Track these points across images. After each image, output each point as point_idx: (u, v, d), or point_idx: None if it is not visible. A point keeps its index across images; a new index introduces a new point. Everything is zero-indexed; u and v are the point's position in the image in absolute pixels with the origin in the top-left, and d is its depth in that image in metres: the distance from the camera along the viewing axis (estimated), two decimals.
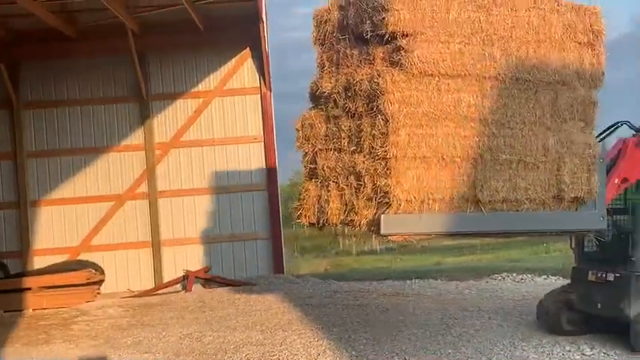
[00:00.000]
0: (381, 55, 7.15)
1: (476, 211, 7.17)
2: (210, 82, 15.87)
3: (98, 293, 13.96)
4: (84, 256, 15.07)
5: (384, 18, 6.95)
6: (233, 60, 15.84)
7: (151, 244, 15.57)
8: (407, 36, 6.97)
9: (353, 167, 7.25)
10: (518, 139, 7.27)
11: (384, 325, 9.97)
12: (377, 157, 6.96)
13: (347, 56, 7.49)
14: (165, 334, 10.14)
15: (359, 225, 7.14)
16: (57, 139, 15.68)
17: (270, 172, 15.77)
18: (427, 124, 7.01)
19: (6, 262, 14.50)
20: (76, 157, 15.67)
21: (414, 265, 17.66)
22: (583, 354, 8.21)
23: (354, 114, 7.33)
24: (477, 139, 7.14)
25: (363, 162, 7.11)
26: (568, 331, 8.84)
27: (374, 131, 6.99)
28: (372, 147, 7.01)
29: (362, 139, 7.14)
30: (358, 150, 7.22)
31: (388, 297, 12.48)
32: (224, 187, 15.74)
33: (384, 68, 7.04)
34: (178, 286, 14.53)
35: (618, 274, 8.22)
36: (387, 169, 6.87)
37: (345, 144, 7.41)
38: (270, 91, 15.87)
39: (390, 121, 6.87)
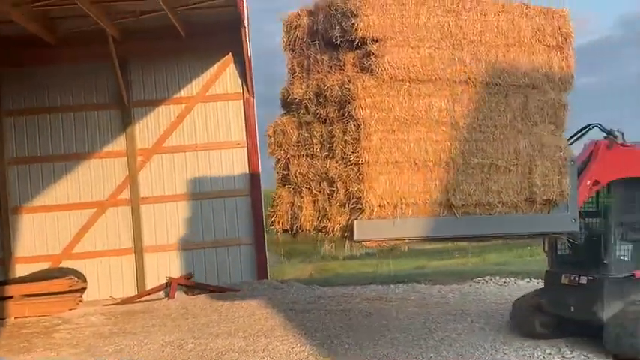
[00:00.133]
0: (352, 60, 7.16)
1: (449, 216, 7.19)
2: (193, 87, 15.85)
3: (80, 301, 13.88)
4: (66, 264, 15.01)
5: (353, 23, 6.96)
6: (215, 65, 15.81)
7: (134, 250, 15.51)
8: (377, 41, 6.98)
9: (325, 173, 7.25)
10: (490, 142, 7.31)
11: (367, 330, 9.98)
12: (349, 163, 6.96)
13: (317, 62, 7.50)
14: (147, 341, 10.12)
15: (332, 231, 7.13)
16: (38, 147, 15.61)
17: (253, 178, 15.75)
18: (399, 129, 7.03)
19: None
20: (58, 164, 15.59)
21: (399, 268, 17.63)
22: (563, 356, 8.27)
23: (325, 120, 7.33)
24: (449, 144, 7.17)
25: (336, 168, 7.12)
26: (541, 334, 8.87)
27: (346, 137, 7.00)
28: (344, 153, 7.01)
29: (334, 145, 7.14)
30: (330, 156, 7.22)
31: (371, 301, 12.50)
32: (207, 192, 15.71)
33: (355, 74, 7.05)
34: (161, 293, 14.47)
35: (591, 277, 8.25)
36: (360, 174, 6.87)
37: (318, 150, 7.40)
38: (253, 97, 15.87)
39: (362, 126, 6.88)
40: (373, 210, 6.83)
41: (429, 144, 7.08)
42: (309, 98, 7.51)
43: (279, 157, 7.89)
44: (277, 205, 7.85)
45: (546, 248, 8.94)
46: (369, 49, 6.98)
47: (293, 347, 9.15)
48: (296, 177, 7.62)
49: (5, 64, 15.33)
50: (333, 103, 7.18)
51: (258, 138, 15.69)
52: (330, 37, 7.32)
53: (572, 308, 8.41)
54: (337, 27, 7.17)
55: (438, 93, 7.13)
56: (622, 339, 7.83)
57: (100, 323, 12.06)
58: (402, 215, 6.96)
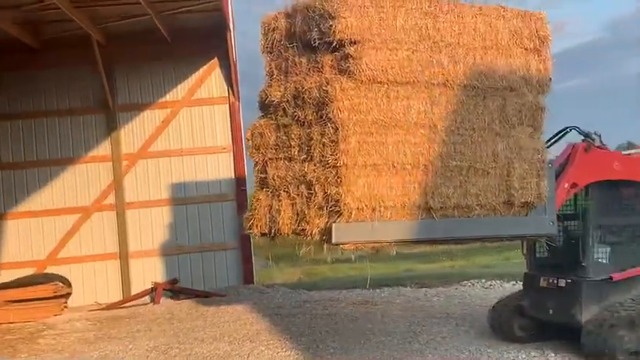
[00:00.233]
0: (330, 62, 7.12)
1: (427, 218, 7.16)
2: (178, 92, 15.81)
3: (65, 306, 13.83)
4: (51, 269, 14.94)
5: (331, 25, 6.92)
6: (201, 70, 15.79)
7: (119, 256, 15.45)
8: (355, 43, 6.94)
9: (303, 176, 7.20)
10: (468, 145, 7.29)
11: (353, 334, 9.97)
12: (327, 166, 6.92)
13: (295, 64, 7.45)
14: (132, 347, 10.07)
15: (311, 234, 7.08)
16: (23, 151, 15.53)
17: (239, 182, 15.70)
18: (377, 131, 6.99)
19: None
20: (43, 168, 15.51)
21: (387, 272, 17.62)
22: (547, 359, 8.22)
23: (303, 122, 7.29)
24: (427, 146, 7.14)
25: (314, 170, 7.07)
26: (519, 338, 8.86)
27: (324, 139, 6.96)
28: (323, 155, 6.97)
29: (312, 147, 7.10)
30: (308, 159, 7.17)
31: (357, 305, 12.48)
32: (193, 197, 15.67)
33: (333, 76, 7.01)
34: (147, 299, 14.39)
35: (569, 280, 8.22)
36: (338, 177, 6.83)
37: (296, 153, 7.36)
38: (239, 101, 15.85)
39: (340, 129, 6.84)
40: (351, 213, 6.80)
41: (408, 146, 7.05)
42: (287, 101, 7.47)
43: (257, 159, 7.85)
44: (255, 209, 7.80)
45: (525, 251, 8.91)
46: (346, 52, 6.95)
47: (278, 352, 9.12)
48: (274, 180, 7.57)
49: None
50: (311, 106, 7.14)
51: (244, 142, 15.69)
52: (308, 40, 7.27)
53: (550, 311, 8.38)
54: (315, 29, 7.13)
55: (416, 95, 7.09)
56: (599, 342, 7.79)
57: (85, 329, 11.99)
58: (381, 218, 6.93)
